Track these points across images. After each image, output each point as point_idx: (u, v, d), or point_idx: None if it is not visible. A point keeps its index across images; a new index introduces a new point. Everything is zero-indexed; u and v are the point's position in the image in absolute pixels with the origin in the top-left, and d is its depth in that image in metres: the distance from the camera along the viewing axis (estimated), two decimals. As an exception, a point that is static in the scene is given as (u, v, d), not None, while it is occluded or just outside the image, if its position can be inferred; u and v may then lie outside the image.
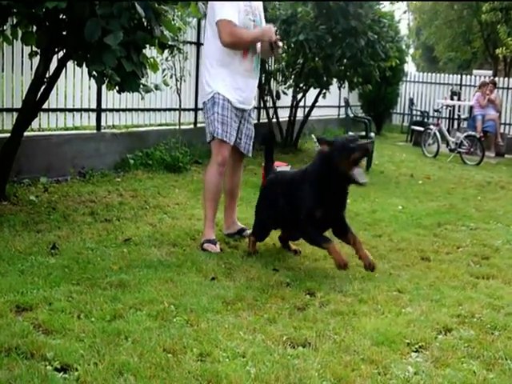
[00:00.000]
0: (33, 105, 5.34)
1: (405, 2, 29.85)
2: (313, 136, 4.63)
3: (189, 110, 9.24)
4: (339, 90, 12.16)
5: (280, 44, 4.65)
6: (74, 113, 7.19)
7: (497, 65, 25.00)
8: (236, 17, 4.45)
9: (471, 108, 14.58)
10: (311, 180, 4.09)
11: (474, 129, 13.64)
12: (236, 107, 4.61)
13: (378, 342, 2.97)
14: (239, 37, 4.46)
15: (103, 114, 7.54)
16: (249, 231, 4.73)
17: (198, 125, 9.44)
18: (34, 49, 5.39)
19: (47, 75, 5.38)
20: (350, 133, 4.03)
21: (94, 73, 4.95)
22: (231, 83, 4.55)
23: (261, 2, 4.83)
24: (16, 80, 6.29)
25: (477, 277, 4.26)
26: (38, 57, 5.31)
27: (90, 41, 4.47)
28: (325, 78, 10.04)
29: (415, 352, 2.92)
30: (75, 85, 7.10)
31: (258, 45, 4.67)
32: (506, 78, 18.06)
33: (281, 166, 5.83)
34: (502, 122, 16.00)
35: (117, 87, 5.30)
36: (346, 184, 4.07)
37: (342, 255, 3.94)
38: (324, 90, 10.77)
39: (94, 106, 7.38)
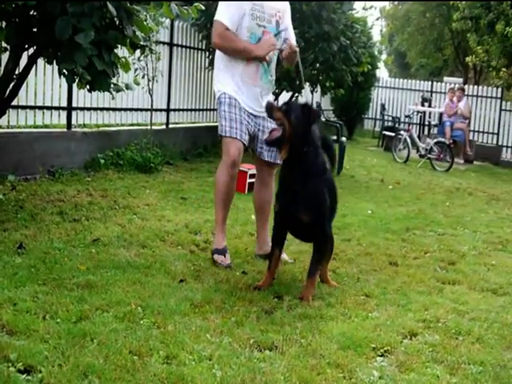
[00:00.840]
0: (1, 101, 5.26)
1: (377, 9, 30.11)
2: None
3: (161, 110, 9.21)
4: (312, 94, 12.22)
5: (293, 50, 4.32)
6: (44, 111, 7.10)
7: (467, 73, 25.34)
8: (232, 19, 4.24)
9: (441, 114, 14.78)
10: None
11: (443, 135, 13.83)
12: (246, 109, 4.36)
13: (344, 345, 2.99)
14: (228, 42, 4.28)
15: (74, 113, 7.46)
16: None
17: (170, 125, 9.43)
18: (4, 45, 5.31)
19: (17, 72, 5.30)
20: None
21: (65, 71, 4.89)
22: (235, 88, 4.34)
23: (287, 7, 4.55)
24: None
25: (443, 282, 4.32)
26: (8, 53, 5.23)
27: (61, 39, 4.41)
28: (297, 82, 10.07)
29: (380, 356, 2.95)
30: (45, 82, 7.01)
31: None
32: (476, 86, 18.34)
33: (252, 169, 5.83)
34: (472, 129, 16.24)
35: (87, 86, 5.25)
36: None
37: (267, 282, 3.77)
38: (296, 94, 10.81)
39: (64, 104, 7.32)
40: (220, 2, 4.35)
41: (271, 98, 4.61)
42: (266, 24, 4.37)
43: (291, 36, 4.55)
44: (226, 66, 4.40)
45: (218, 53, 4.51)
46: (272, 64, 4.51)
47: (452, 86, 15.96)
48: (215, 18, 4.32)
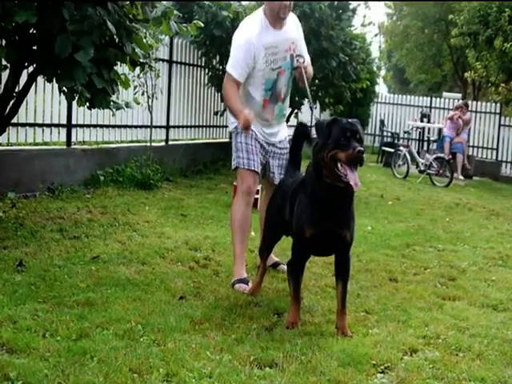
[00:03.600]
0: (1, 119, 5.30)
1: (376, 25, 30.27)
2: None
3: (160, 127, 9.26)
4: (311, 110, 12.25)
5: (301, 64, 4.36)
6: (44, 128, 7.14)
7: (466, 88, 25.47)
8: (241, 73, 4.23)
9: (440, 130, 14.83)
10: (303, 186, 3.59)
11: (442, 150, 13.87)
12: (259, 140, 4.42)
13: (344, 362, 2.99)
14: (226, 97, 4.33)
15: (73, 130, 7.50)
16: (284, 266, 4.41)
17: (170, 142, 9.46)
18: (4, 63, 5.35)
19: (16, 89, 5.34)
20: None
21: (64, 88, 4.94)
22: (253, 124, 4.25)
23: (299, 29, 4.52)
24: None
25: (443, 298, 4.32)
26: (8, 71, 5.27)
27: (61, 57, 4.46)
28: (296, 98, 10.12)
29: (381, 373, 2.95)
30: (45, 100, 7.06)
31: (282, 91, 4.43)
32: (475, 102, 18.41)
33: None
34: (471, 144, 16.28)
35: (87, 103, 5.29)
36: (336, 189, 3.39)
37: (296, 316, 3.49)
38: (296, 110, 10.86)
39: (64, 121, 7.35)
40: (232, 50, 4.32)
41: (285, 127, 4.66)
42: (281, 63, 4.37)
43: (304, 52, 4.56)
44: (244, 102, 4.36)
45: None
46: (286, 100, 4.54)
47: (456, 102, 15.95)
48: (227, 67, 4.35)
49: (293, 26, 4.50)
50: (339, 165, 3.30)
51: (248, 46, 4.23)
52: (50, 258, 4.34)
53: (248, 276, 4.28)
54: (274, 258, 4.63)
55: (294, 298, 3.53)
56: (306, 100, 10.60)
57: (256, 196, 4.58)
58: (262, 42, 4.26)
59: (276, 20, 4.32)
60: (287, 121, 11.45)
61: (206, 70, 10.29)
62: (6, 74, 5.38)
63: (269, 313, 3.67)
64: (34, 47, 4.97)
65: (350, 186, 3.32)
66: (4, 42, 5.09)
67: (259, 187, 4.73)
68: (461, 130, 14.38)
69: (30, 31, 4.78)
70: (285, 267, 4.44)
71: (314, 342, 3.25)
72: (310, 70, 4.54)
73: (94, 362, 2.76)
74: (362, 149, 3.27)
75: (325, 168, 3.36)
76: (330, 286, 4.19)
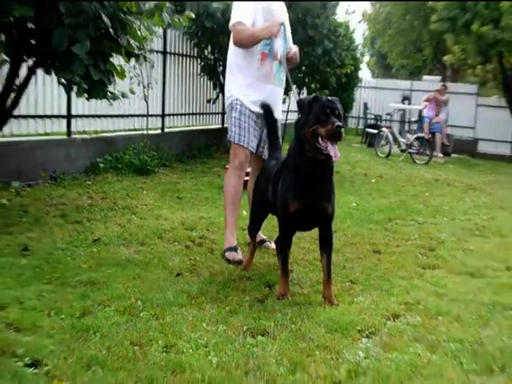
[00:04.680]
0: (3, 112, 5.26)
1: (359, 13, 30.12)
2: None
3: (156, 115, 9.21)
4: (298, 95, 12.21)
5: (292, 52, 4.42)
6: (45, 119, 7.09)
7: (445, 71, 25.39)
8: (248, 19, 4.28)
9: (420, 111, 14.81)
10: (286, 164, 3.58)
11: (422, 130, 13.87)
12: (254, 112, 4.41)
13: (331, 329, 3.01)
14: (241, 33, 4.28)
15: (73, 120, 7.45)
16: (270, 243, 4.55)
17: (165, 130, 9.43)
18: (4, 57, 5.30)
19: (17, 82, 5.30)
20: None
21: (63, 80, 4.90)
22: (248, 88, 4.39)
23: (287, 22, 4.60)
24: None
25: (423, 267, 4.35)
26: (8, 65, 5.22)
27: (58, 49, 4.42)
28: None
29: (366, 338, 2.97)
30: (45, 92, 7.00)
31: (279, 52, 4.45)
32: (453, 84, 18.38)
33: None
34: (450, 123, 16.28)
35: (85, 94, 5.25)
36: (317, 162, 3.40)
37: (286, 288, 3.50)
38: (284, 96, 10.82)
39: (64, 112, 7.30)
40: (234, 8, 4.38)
41: (281, 100, 4.67)
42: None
43: (291, 40, 4.61)
44: (240, 70, 4.42)
45: (230, 58, 4.53)
46: (283, 63, 4.51)
47: (435, 84, 15.90)
48: (231, 23, 4.35)
49: (284, 10, 4.60)
50: (320, 139, 3.31)
51: (250, 4, 4.34)
52: (54, 242, 4.33)
53: (237, 245, 4.36)
54: (261, 235, 4.64)
55: (283, 271, 3.54)
56: (294, 86, 10.58)
57: (246, 178, 4.59)
58: (262, 6, 4.38)
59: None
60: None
61: (199, 60, 10.23)
62: (5, 68, 5.33)
63: (260, 286, 3.68)
64: (32, 41, 4.93)
65: (330, 158, 3.33)
66: (3, 37, 5.04)
67: (249, 169, 4.72)
68: (439, 111, 14.38)
69: (28, 25, 4.73)
70: (270, 244, 4.54)
71: (302, 311, 3.27)
72: (298, 56, 4.53)
73: (96, 337, 2.76)
74: (340, 124, 3.27)
75: (306, 143, 3.36)
76: (317, 260, 4.19)
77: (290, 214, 3.46)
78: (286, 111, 12.29)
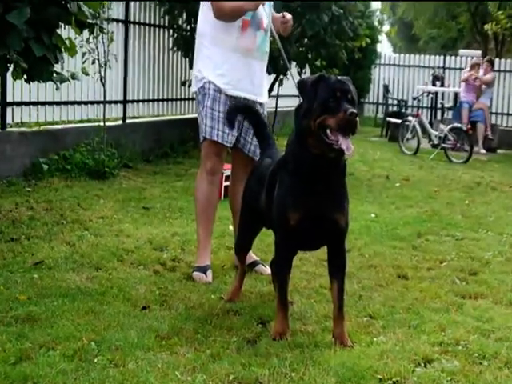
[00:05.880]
0: None
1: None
2: None
3: (116, 102, 9.21)
4: (299, 75, 12.25)
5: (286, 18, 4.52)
6: (-28, 108, 7.09)
7: (486, 43, 25.59)
8: None
9: (456, 95, 14.88)
10: (284, 162, 3.54)
11: (460, 120, 13.92)
12: (231, 96, 4.47)
13: (344, 378, 2.98)
14: (222, 6, 4.36)
15: (9, 109, 7.44)
16: (263, 267, 4.60)
17: (128, 120, 9.41)
18: None
19: None
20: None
21: (-5, 58, 4.88)
22: (224, 64, 4.47)
23: None
24: None
25: (463, 296, 4.34)
26: None
27: (-11, 19, 4.41)
28: (281, 62, 10.09)
29: (389, 389, 2.95)
30: (-28, 73, 6.98)
31: (264, 19, 4.53)
32: (497, 59, 18.47)
33: (227, 169, 5.83)
34: (493, 111, 16.35)
35: (24, 76, 5.24)
36: (324, 161, 3.36)
37: (284, 325, 3.48)
38: (281, 76, 10.84)
39: (-4, 99, 7.29)
40: None
41: (266, 78, 4.76)
42: None
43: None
44: (215, 43, 4.48)
45: (200, 27, 4.59)
46: (268, 34, 4.61)
47: (476, 60, 15.96)
48: None
49: None
50: (328, 131, 3.28)
51: None
52: (-17, 266, 4.30)
53: (209, 264, 4.48)
54: (252, 256, 4.64)
55: (280, 303, 3.52)
56: (294, 64, 10.60)
57: (226, 183, 4.63)
58: None
59: None
60: (271, 89, 11.44)
61: (171, 32, 10.22)
62: None
63: (251, 322, 3.65)
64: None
65: (342, 154, 3.32)
66: None
67: (228, 172, 4.75)
68: (481, 94, 14.41)
69: None
70: (264, 269, 4.56)
71: (306, 355, 3.24)
72: (290, 25, 4.61)
73: (37, 390, 2.74)
74: (354, 111, 3.23)
75: (311, 137, 3.32)
76: (325, 288, 4.18)
77: (290, 227, 3.42)
78: (276, 96, 12.34)
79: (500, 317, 3.94)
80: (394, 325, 3.72)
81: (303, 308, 3.92)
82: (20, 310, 3.56)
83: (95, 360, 3.05)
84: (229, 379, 2.93)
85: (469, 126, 13.42)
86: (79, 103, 8.58)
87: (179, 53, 10.32)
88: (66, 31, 5.52)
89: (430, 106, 16.65)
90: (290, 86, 12.50)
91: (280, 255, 3.61)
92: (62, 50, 5.30)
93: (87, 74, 7.57)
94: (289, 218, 3.41)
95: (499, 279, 4.77)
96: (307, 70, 11.40)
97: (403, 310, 3.99)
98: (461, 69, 17.56)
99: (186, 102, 11.08)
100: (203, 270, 4.42)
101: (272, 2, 4.71)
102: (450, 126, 13.06)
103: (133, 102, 9.65)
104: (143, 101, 9.95)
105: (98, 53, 7.97)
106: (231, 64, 4.47)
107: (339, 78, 3.38)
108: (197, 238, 4.65)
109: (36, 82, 5.51)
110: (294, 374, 3.02)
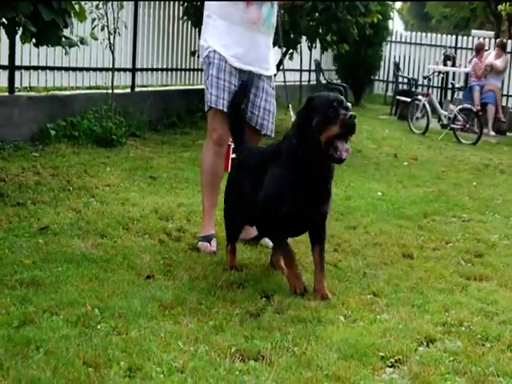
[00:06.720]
0: None
1: None
2: (290, 106, 4.52)
3: (124, 70, 9.17)
4: (310, 50, 12.18)
5: None
6: (-20, 70, 7.07)
7: (500, 24, 25.39)
8: None
9: (467, 75, 14.78)
10: (278, 156, 3.79)
11: (470, 101, 13.84)
12: (236, 68, 4.48)
13: (346, 355, 2.99)
14: None
15: (17, 73, 7.41)
16: (267, 240, 4.57)
17: (136, 89, 9.38)
18: None
19: None
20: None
21: (4, 20, 4.86)
22: (230, 37, 4.47)
23: None
24: None
25: (468, 278, 4.34)
26: None
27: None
28: (292, 36, 10.02)
29: (390, 367, 2.95)
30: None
31: None
32: (510, 41, 18.31)
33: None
34: (504, 92, 16.26)
35: (33, 39, 5.22)
36: (321, 166, 3.70)
37: (299, 280, 3.76)
38: (291, 50, 10.77)
39: (5, 62, 7.25)
40: None
41: (272, 51, 4.77)
42: None
43: None
44: (221, 14, 4.47)
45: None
46: (275, 7, 4.61)
47: (480, 40, 15.88)
48: None
49: None
50: (335, 143, 3.57)
51: None
52: (-13, 230, 4.32)
53: (214, 233, 4.55)
54: (254, 231, 4.62)
55: (290, 265, 3.77)
56: (304, 38, 10.53)
57: (232, 155, 4.66)
58: None
59: None
60: (280, 63, 11.39)
61: (181, 1, 10.15)
62: None
63: (255, 295, 3.66)
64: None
65: (341, 162, 3.63)
66: None
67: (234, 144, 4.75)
68: (491, 76, 14.30)
69: None
70: (269, 241, 4.53)
71: (309, 330, 3.25)
72: None
73: (39, 353, 2.74)
74: (353, 114, 3.53)
75: (318, 149, 3.57)
76: (329, 264, 4.19)
77: (281, 214, 3.66)
78: (283, 70, 12.25)
79: (504, 299, 3.94)
80: (397, 303, 3.73)
81: (307, 283, 3.92)
82: (25, 274, 3.58)
83: (98, 326, 3.06)
84: (231, 351, 2.94)
85: (479, 108, 13.36)
86: (88, 69, 8.55)
87: (189, 22, 10.26)
88: (75, -4, 5.48)
89: (440, 85, 16.57)
90: (298, 61, 12.45)
91: (276, 237, 3.92)
92: (71, 14, 5.27)
93: (96, 39, 7.52)
94: (280, 205, 3.66)
95: (504, 262, 4.77)
96: (317, 44, 11.32)
97: (407, 289, 3.99)
98: (473, 49, 17.43)
99: (195, 72, 11.02)
100: (208, 239, 4.47)
101: None
102: (460, 106, 13.01)
103: (142, 70, 9.62)
104: (152, 69, 9.91)
105: (108, 19, 7.91)
106: (236, 37, 4.48)
107: (328, 93, 3.82)
108: (202, 208, 4.71)
109: (45, 47, 5.49)
110: (296, 349, 3.02)
